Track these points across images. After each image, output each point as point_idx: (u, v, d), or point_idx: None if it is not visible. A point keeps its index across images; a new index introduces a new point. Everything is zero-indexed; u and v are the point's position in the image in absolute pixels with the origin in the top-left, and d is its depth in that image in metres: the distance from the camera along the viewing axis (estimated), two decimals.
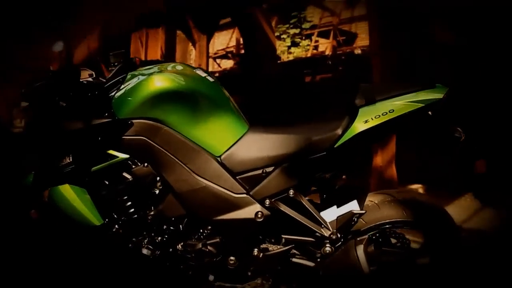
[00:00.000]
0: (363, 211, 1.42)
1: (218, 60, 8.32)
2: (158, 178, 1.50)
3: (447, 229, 1.50)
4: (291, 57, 6.88)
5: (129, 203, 1.53)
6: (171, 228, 1.53)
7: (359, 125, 1.36)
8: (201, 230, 1.52)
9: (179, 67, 1.57)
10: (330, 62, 6.19)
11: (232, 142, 1.47)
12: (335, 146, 1.39)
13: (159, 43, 6.54)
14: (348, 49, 6.62)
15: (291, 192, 1.44)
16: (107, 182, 1.53)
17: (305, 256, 1.47)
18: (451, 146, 1.39)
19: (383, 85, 1.50)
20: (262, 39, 5.72)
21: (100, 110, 1.51)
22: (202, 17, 5.28)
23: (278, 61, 6.45)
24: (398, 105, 1.36)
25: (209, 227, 1.50)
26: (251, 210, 1.44)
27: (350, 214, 1.41)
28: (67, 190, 1.53)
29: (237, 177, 1.46)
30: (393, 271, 1.43)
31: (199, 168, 1.46)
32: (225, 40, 8.18)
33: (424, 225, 1.50)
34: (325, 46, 7.22)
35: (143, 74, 1.50)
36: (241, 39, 6.97)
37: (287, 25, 6.94)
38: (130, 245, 1.53)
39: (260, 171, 1.45)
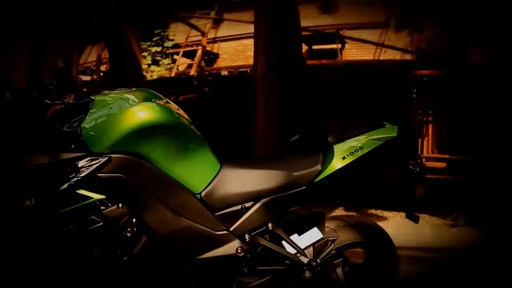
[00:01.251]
0: (335, 237, 1.61)
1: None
2: (134, 220, 1.39)
3: (387, 246, 1.80)
4: (155, 76, 6.81)
5: (97, 249, 1.37)
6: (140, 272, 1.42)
7: (338, 162, 1.54)
8: (173, 271, 1.46)
9: (146, 94, 1.48)
10: (195, 83, 6.35)
11: (210, 179, 1.47)
12: (315, 181, 1.54)
13: None
14: (214, 70, 6.91)
15: (270, 225, 1.53)
16: (72, 228, 1.34)
17: (283, 285, 1.58)
18: (408, 176, 1.69)
19: (343, 124, 1.72)
20: (129, 56, 5.57)
21: (65, 141, 1.35)
22: (72, 34, 4.89)
23: (144, 80, 6.32)
24: (364, 142, 1.59)
25: (185, 267, 1.47)
26: (232, 247, 1.47)
27: (326, 240, 1.59)
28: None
29: (216, 214, 1.48)
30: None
31: (180, 206, 1.42)
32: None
33: (371, 244, 1.77)
34: (185, 65, 7.38)
35: (115, 101, 1.39)
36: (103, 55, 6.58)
37: (149, 43, 6.86)
38: None
39: (239, 207, 1.49)
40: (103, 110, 1.36)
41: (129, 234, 1.39)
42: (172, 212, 1.41)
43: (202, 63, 6.93)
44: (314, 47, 6.74)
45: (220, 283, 1.50)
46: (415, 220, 1.74)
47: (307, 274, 1.54)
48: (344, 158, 1.55)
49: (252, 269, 1.54)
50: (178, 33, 7.21)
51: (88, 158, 1.32)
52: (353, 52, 7.01)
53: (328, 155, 1.57)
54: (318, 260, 1.56)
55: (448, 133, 5.59)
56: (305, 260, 1.55)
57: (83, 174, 1.31)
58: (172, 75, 6.89)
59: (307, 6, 6.58)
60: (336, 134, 1.60)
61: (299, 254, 1.55)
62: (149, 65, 6.91)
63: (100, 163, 1.32)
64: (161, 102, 1.47)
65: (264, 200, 1.50)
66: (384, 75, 5.69)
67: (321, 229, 1.63)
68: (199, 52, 7.09)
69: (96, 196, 1.33)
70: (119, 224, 1.37)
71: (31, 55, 3.81)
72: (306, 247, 1.58)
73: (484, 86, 4.73)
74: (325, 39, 6.79)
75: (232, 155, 1.61)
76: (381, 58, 6.58)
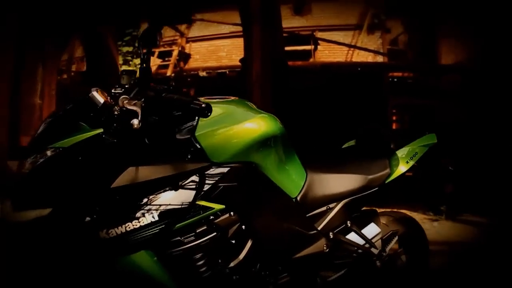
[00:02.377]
0: (397, 230, 1.87)
1: None
2: (243, 227, 1.48)
3: (424, 237, 2.07)
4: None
5: (205, 260, 1.42)
6: (240, 277, 1.51)
7: (403, 166, 1.80)
8: (267, 273, 1.59)
9: (246, 103, 1.55)
10: (173, 83, 6.37)
11: (302, 183, 1.63)
12: (386, 182, 1.78)
13: None
14: (192, 71, 6.96)
15: (348, 223, 1.76)
16: (184, 240, 1.38)
17: (357, 276, 1.81)
18: (444, 175, 1.98)
19: (394, 131, 1.98)
20: (107, 56, 5.52)
21: (179, 150, 1.37)
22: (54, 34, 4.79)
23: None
24: (416, 149, 1.87)
25: (279, 267, 1.63)
26: (320, 244, 1.66)
27: (392, 234, 1.84)
28: (144, 258, 1.33)
29: (307, 216, 1.67)
30: None
31: (282, 210, 1.57)
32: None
33: (415, 236, 2.04)
34: (156, 66, 7.37)
35: (227, 111, 1.45)
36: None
37: (120, 42, 6.78)
38: None
39: (325, 208, 1.68)
40: (217, 120, 1.39)
41: (233, 241, 1.48)
42: (276, 216, 1.55)
43: (181, 64, 6.97)
44: (287, 48, 7.01)
45: (307, 279, 1.68)
46: (441, 214, 2.04)
47: (378, 263, 1.78)
48: (407, 162, 1.81)
49: (331, 264, 1.75)
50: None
51: (212, 169, 1.38)
52: (325, 54, 7.38)
53: (393, 159, 1.82)
54: (387, 251, 1.80)
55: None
56: (375, 251, 1.78)
57: (208, 185, 1.38)
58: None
59: (280, 7, 6.82)
60: (395, 141, 1.86)
61: (370, 247, 1.79)
62: (120, 65, 6.82)
63: (223, 173, 1.40)
64: (265, 112, 1.55)
65: (345, 201, 1.71)
66: (359, 77, 6.08)
67: (377, 224, 1.88)
68: (175, 53, 7.12)
69: (217, 206, 1.39)
70: (229, 232, 1.46)
71: None
72: (375, 240, 1.82)
73: (455, 88, 5.21)
74: (299, 41, 7.08)
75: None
76: (354, 60, 6.98)
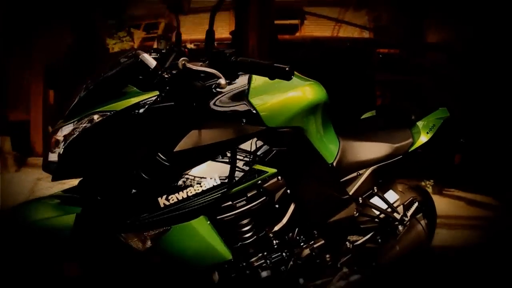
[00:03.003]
0: (416, 196, 2.01)
1: None
2: (288, 191, 1.56)
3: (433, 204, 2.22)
4: (116, 49, 6.60)
5: (252, 224, 1.50)
6: (280, 241, 1.60)
7: (424, 136, 1.92)
8: (303, 237, 1.69)
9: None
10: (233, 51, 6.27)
11: (336, 150, 1.72)
12: (409, 151, 1.91)
13: None
14: (183, 43, 6.85)
15: (375, 188, 1.89)
16: (236, 205, 1.46)
17: (381, 240, 1.94)
18: (457, 148, 2.12)
19: (411, 105, 2.10)
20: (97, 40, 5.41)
21: (233, 114, 1.40)
22: None
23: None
24: (433, 121, 2.00)
25: (315, 231, 1.74)
26: (351, 209, 1.78)
27: (412, 200, 1.98)
28: (202, 224, 1.39)
29: (341, 181, 1.78)
30: None
31: (321, 175, 1.67)
32: None
33: (427, 203, 2.19)
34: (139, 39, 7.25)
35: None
36: None
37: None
38: (247, 271, 1.51)
39: (355, 174, 1.79)
40: (268, 85, 1.42)
41: (278, 206, 1.55)
42: (316, 181, 1.65)
43: (169, 36, 6.85)
44: (276, 22, 7.01)
45: (339, 244, 1.80)
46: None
47: (400, 228, 1.92)
48: (427, 132, 1.94)
49: (359, 228, 1.87)
50: (138, 8, 7.01)
51: (267, 133, 1.44)
52: (311, 29, 7.42)
53: (414, 130, 1.94)
54: (408, 216, 1.94)
55: None
56: (398, 216, 1.92)
57: (263, 149, 1.44)
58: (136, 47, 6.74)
59: None
60: (416, 113, 1.98)
61: (393, 212, 1.92)
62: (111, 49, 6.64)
63: (276, 138, 1.46)
64: (312, 80, 1.61)
65: (373, 167, 1.82)
66: (347, 52, 6.19)
67: (396, 191, 2.02)
68: (162, 25, 6.99)
69: (270, 170, 1.46)
70: (276, 196, 1.53)
71: None
72: (397, 206, 1.95)
73: (440, 65, 5.40)
74: (287, 15, 7.09)
75: None
76: (340, 35, 7.07)
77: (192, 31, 7.50)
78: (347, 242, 1.82)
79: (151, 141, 1.33)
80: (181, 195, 1.32)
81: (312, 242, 1.68)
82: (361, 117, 2.18)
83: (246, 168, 1.42)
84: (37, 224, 1.32)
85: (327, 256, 1.73)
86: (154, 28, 7.24)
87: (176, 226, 1.33)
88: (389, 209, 1.91)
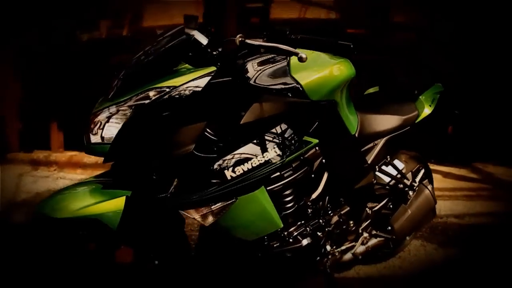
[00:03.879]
0: (421, 165, 2.21)
1: None
2: (323, 161, 1.69)
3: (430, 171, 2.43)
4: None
5: (294, 194, 1.64)
6: (315, 210, 1.76)
7: (427, 108, 2.12)
8: (332, 205, 1.86)
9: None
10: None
11: (356, 121, 1.87)
12: (415, 122, 2.09)
13: None
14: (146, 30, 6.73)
15: (388, 157, 2.07)
16: (284, 175, 1.57)
17: (392, 204, 2.13)
18: (450, 118, 2.33)
19: (411, 81, 2.29)
20: None
21: (284, 90, 1.50)
22: None
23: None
24: (432, 95, 2.20)
25: (341, 199, 1.89)
26: (370, 177, 1.96)
27: (419, 167, 2.18)
28: (263, 194, 1.49)
29: (362, 150, 1.93)
30: None
31: (347, 145, 1.82)
32: None
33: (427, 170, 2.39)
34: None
35: (317, 55, 1.61)
36: None
37: None
38: (290, 239, 1.65)
39: (372, 144, 1.96)
40: (310, 64, 1.51)
41: (314, 175, 1.69)
42: (344, 151, 1.81)
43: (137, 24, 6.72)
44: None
45: (360, 210, 1.96)
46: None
47: (410, 193, 2.12)
48: (430, 105, 2.14)
49: (374, 195, 2.05)
50: None
51: (311, 106, 1.57)
52: (277, 11, 7.49)
53: (418, 103, 2.13)
54: (417, 182, 2.14)
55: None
56: (408, 182, 2.12)
57: (308, 121, 1.57)
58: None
59: None
60: (416, 88, 2.17)
61: (403, 179, 2.11)
62: None
63: (317, 110, 1.59)
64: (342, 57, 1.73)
65: (386, 137, 2.00)
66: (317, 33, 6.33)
67: (400, 160, 2.21)
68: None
69: (314, 140, 1.59)
70: (314, 166, 1.67)
71: None
72: (406, 173, 2.15)
73: (408, 45, 5.64)
74: None
75: None
76: (307, 16, 7.19)
77: (159, 17, 7.40)
78: (366, 209, 1.99)
79: (209, 116, 1.40)
80: (246, 166, 1.42)
81: (340, 209, 1.85)
82: (365, 93, 2.34)
83: (296, 139, 1.55)
84: (80, 213, 1.35)
85: (351, 222, 1.90)
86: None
87: (242, 197, 1.44)
88: (400, 176, 2.09)
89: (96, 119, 1.39)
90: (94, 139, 1.39)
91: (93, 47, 6.05)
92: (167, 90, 1.34)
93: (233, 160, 1.42)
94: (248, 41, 1.39)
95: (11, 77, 4.56)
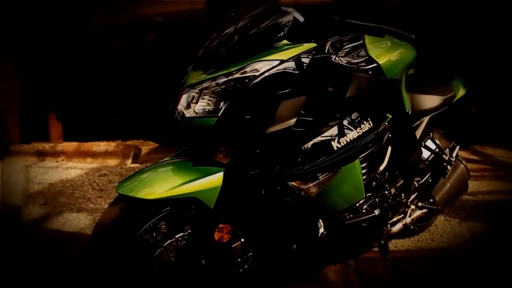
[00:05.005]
0: (456, 142, 2.38)
1: None
2: (389, 135, 1.82)
3: None
4: None
5: (368, 168, 1.75)
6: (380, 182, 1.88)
7: (462, 90, 2.29)
8: (386, 179, 1.95)
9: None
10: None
11: (408, 100, 1.96)
12: (453, 102, 2.26)
13: None
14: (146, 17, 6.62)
15: (431, 134, 2.22)
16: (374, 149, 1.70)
17: (431, 178, 2.29)
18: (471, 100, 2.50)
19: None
20: None
21: (366, 68, 1.63)
22: None
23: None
24: (463, 77, 2.38)
25: (397, 172, 1.99)
26: (419, 151, 2.11)
27: (454, 144, 2.35)
28: (359, 164, 1.61)
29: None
30: None
31: (405, 122, 1.95)
32: None
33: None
34: None
35: (388, 39, 1.73)
36: None
37: None
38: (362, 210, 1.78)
39: (419, 122, 2.11)
40: (381, 45, 1.69)
41: (381, 149, 1.82)
42: (403, 125, 1.93)
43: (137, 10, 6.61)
44: None
45: (409, 184, 2.10)
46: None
47: (449, 167, 2.29)
48: (464, 87, 2.30)
49: (419, 169, 2.20)
50: None
51: (388, 83, 1.70)
52: None
53: (454, 84, 2.30)
54: (454, 157, 2.31)
55: None
56: (446, 158, 2.29)
57: (386, 97, 1.70)
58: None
59: None
60: (453, 70, 2.34)
61: (442, 154, 2.28)
62: None
63: (393, 87, 1.74)
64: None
65: (430, 115, 2.14)
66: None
67: (435, 138, 2.38)
68: None
69: (389, 115, 1.75)
70: (384, 139, 1.79)
71: None
72: (444, 149, 2.31)
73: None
74: None
75: None
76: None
77: (162, 3, 7.28)
78: (414, 182, 2.14)
79: (310, 91, 1.46)
80: (348, 137, 1.53)
81: (395, 182, 1.98)
82: None
83: (382, 113, 1.70)
84: (176, 191, 1.37)
85: (403, 195, 2.04)
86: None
87: (344, 167, 1.55)
88: (440, 152, 2.26)
89: (191, 93, 1.41)
90: (188, 113, 1.42)
91: (89, 36, 5.97)
92: (275, 63, 1.39)
93: (337, 132, 1.52)
94: (352, 21, 1.48)
95: (10, 70, 4.48)
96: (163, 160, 1.61)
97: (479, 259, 2.23)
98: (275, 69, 1.39)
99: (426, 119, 2.14)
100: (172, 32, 6.01)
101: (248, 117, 1.39)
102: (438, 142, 2.32)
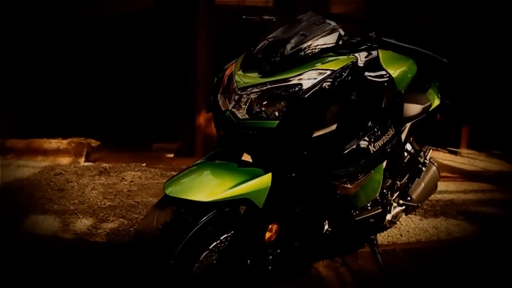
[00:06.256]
0: (429, 147, 2.67)
1: None
2: None
3: None
4: None
5: None
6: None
7: (437, 99, 2.58)
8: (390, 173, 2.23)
9: None
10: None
11: None
12: (429, 111, 2.53)
13: None
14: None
15: (411, 138, 2.48)
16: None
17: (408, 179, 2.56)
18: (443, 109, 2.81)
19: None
20: None
21: (382, 80, 1.74)
22: None
23: None
24: (436, 87, 2.68)
25: (387, 173, 2.20)
26: (404, 154, 2.39)
27: (428, 147, 2.64)
28: (381, 168, 1.86)
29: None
30: None
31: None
32: None
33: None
34: None
35: (396, 55, 1.96)
36: None
37: None
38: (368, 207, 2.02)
39: (403, 127, 2.34)
40: (391, 59, 1.90)
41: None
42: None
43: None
44: None
45: (395, 182, 2.35)
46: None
47: (423, 169, 2.59)
48: (438, 97, 2.60)
49: (401, 170, 2.45)
50: None
51: (398, 95, 1.93)
52: None
53: (429, 94, 2.58)
54: (428, 159, 2.60)
55: None
56: (421, 160, 2.57)
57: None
58: None
59: None
60: (428, 81, 2.62)
61: (418, 157, 2.56)
62: None
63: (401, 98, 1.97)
64: None
65: (411, 122, 2.37)
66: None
67: (414, 142, 2.64)
68: None
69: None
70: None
71: None
72: (419, 152, 2.59)
73: None
74: None
75: None
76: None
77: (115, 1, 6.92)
78: (397, 181, 2.38)
79: (351, 99, 1.60)
80: (380, 142, 1.70)
81: (386, 181, 2.21)
82: None
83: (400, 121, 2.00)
84: (230, 193, 1.42)
85: (388, 193, 2.28)
86: None
87: (376, 169, 1.76)
88: (416, 155, 2.53)
89: (243, 95, 1.49)
90: (241, 115, 1.50)
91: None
92: (328, 73, 1.50)
93: (373, 138, 1.67)
94: (387, 39, 1.63)
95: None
96: (199, 161, 1.67)
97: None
98: (329, 78, 1.51)
99: (408, 125, 2.39)
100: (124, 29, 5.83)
101: (304, 121, 1.49)
102: (415, 146, 2.59)
